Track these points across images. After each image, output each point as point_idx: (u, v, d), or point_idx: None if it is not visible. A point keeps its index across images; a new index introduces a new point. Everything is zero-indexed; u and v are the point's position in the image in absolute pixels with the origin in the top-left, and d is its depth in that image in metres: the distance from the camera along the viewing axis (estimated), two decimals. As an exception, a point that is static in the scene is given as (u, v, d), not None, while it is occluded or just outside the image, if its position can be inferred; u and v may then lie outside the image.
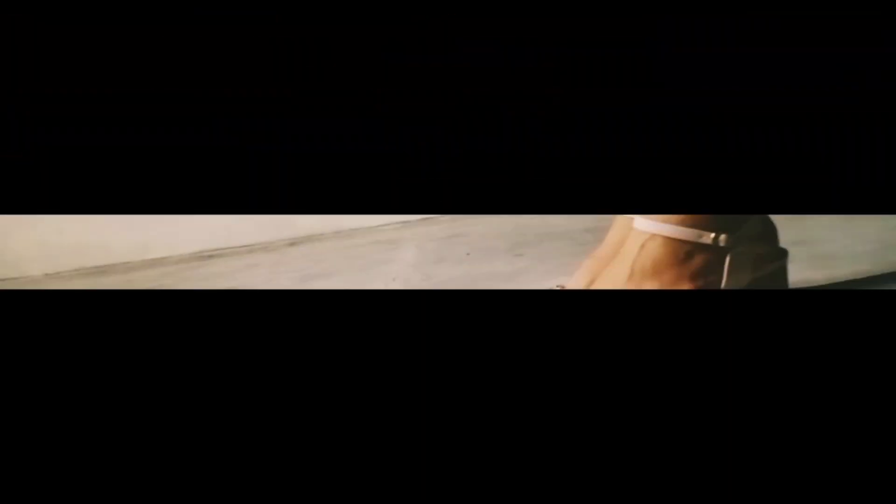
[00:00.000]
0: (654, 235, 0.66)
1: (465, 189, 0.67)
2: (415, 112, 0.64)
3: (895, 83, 0.57)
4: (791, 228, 0.76)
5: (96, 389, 0.56)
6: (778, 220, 0.71)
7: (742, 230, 0.68)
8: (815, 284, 0.80)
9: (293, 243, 1.89)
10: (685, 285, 0.66)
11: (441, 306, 0.54)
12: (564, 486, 0.49)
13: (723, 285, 0.67)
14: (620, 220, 0.72)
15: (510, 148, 0.61)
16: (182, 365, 0.55)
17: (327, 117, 0.66)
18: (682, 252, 0.66)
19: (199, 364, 0.55)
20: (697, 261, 0.66)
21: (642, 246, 0.67)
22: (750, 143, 0.59)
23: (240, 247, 1.97)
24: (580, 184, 0.57)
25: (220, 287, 1.42)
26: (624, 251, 0.68)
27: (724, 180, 0.58)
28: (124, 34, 0.62)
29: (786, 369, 0.52)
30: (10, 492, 0.53)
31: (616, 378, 0.52)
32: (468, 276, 1.06)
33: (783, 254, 0.74)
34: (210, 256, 1.93)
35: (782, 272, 0.73)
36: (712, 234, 0.66)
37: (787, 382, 0.52)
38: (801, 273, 0.79)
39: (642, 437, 0.50)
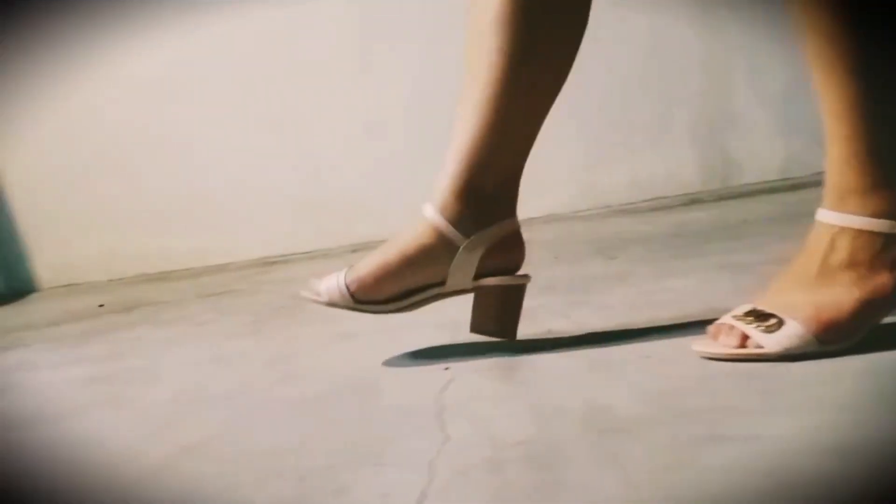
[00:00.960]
0: (843, 228, 0.68)
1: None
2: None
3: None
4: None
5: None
6: None
7: None
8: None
9: (355, 249, 1.91)
10: (884, 276, 0.68)
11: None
12: None
13: None
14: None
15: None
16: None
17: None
18: (879, 243, 0.68)
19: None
20: (894, 251, 0.68)
21: (832, 240, 0.69)
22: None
23: (300, 253, 1.99)
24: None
25: (287, 291, 1.43)
26: (808, 246, 0.70)
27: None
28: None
29: None
30: None
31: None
32: (573, 277, 1.07)
33: None
34: (272, 262, 1.96)
35: None
36: None
37: None
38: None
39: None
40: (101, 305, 1.64)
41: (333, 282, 0.81)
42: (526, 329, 0.84)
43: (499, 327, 0.81)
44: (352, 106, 1.91)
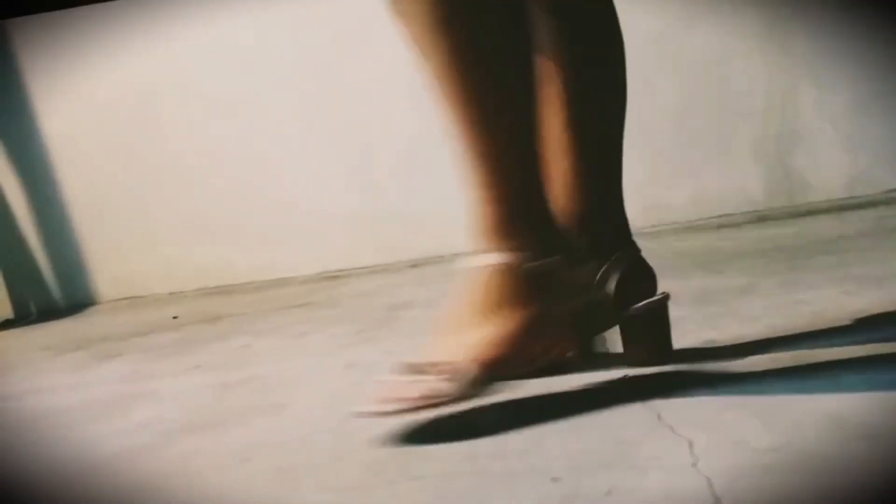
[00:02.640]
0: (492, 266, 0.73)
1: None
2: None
3: None
4: None
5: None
6: None
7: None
8: None
9: (414, 265, 1.91)
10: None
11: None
12: None
13: None
14: None
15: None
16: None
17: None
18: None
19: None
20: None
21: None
22: None
23: (360, 268, 1.99)
24: None
25: (371, 304, 1.43)
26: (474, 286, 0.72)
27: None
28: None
29: None
30: None
31: None
32: (692, 290, 1.07)
33: None
34: (335, 277, 1.95)
35: None
36: None
37: None
38: None
39: None
40: (175, 317, 1.64)
41: None
42: (681, 340, 0.84)
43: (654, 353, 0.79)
44: (410, 119, 1.92)
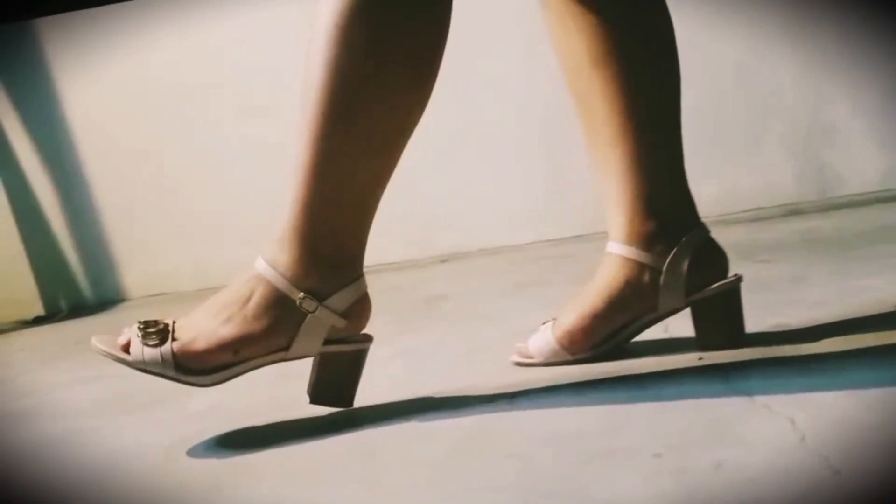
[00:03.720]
0: (258, 274, 0.73)
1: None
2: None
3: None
4: None
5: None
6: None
7: (328, 300, 0.71)
8: None
9: (444, 260, 1.91)
10: (261, 326, 0.71)
11: None
12: None
13: (293, 344, 0.71)
14: None
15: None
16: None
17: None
18: (271, 300, 0.72)
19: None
20: (278, 310, 0.72)
21: (250, 280, 0.73)
22: None
23: (387, 264, 1.98)
24: None
25: (407, 297, 1.43)
26: (239, 281, 0.73)
27: None
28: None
29: None
30: None
31: None
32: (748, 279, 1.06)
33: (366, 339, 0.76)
34: (364, 272, 1.94)
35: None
36: (300, 294, 0.71)
37: None
38: None
39: None
40: (209, 313, 1.63)
41: (543, 341, 0.81)
42: (756, 323, 0.83)
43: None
44: (438, 116, 1.91)
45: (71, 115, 1.94)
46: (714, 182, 1.86)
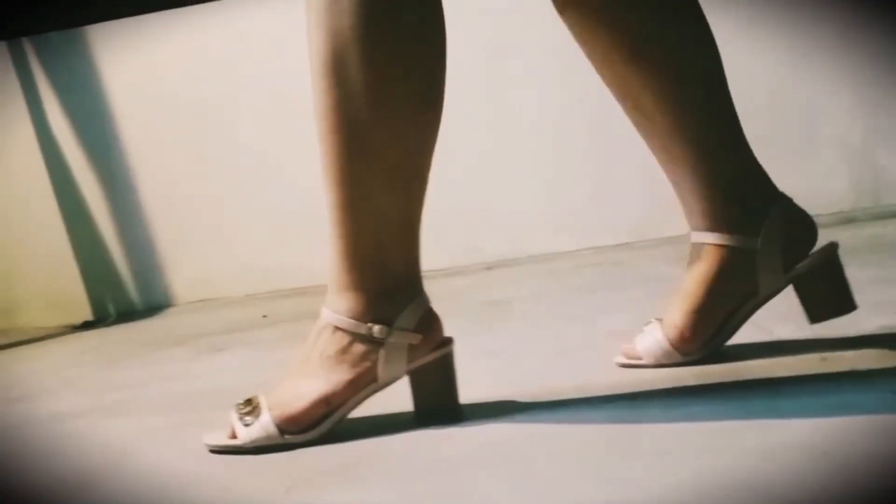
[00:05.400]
0: (326, 325, 0.73)
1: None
2: None
3: None
4: None
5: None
6: None
7: (397, 321, 0.72)
8: None
9: (489, 267, 1.90)
10: (344, 372, 0.72)
11: None
12: None
13: (379, 373, 0.72)
14: None
15: None
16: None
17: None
18: (346, 340, 0.72)
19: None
20: (357, 348, 0.72)
21: (318, 333, 0.73)
22: None
23: (436, 270, 1.97)
24: None
25: (469, 300, 1.41)
26: (311, 337, 0.74)
27: None
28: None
29: None
30: None
31: None
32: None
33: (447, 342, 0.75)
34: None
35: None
36: (367, 325, 0.72)
37: None
38: None
39: None
40: (264, 316, 1.62)
41: (652, 342, 0.79)
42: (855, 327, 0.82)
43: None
44: (483, 121, 1.91)
45: (119, 121, 1.95)
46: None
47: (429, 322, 0.74)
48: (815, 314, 0.77)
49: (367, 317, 0.72)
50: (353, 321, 0.72)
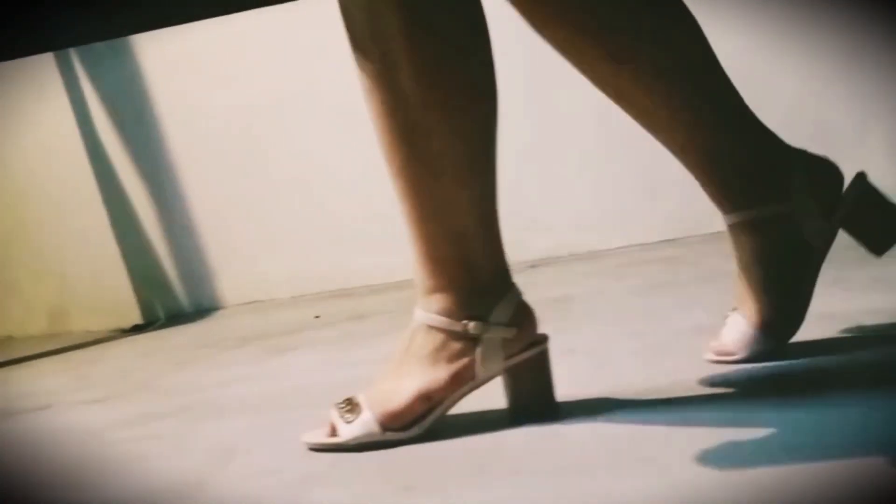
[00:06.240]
0: (420, 324, 0.74)
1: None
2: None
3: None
4: None
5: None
6: None
7: (492, 316, 0.73)
8: None
9: (533, 265, 1.90)
10: (441, 369, 0.72)
11: None
12: None
13: (477, 370, 0.73)
14: None
15: None
16: None
17: None
18: (439, 339, 0.73)
19: None
20: (453, 346, 0.73)
21: (412, 333, 0.75)
22: None
23: (479, 270, 1.98)
24: None
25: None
26: (404, 338, 0.75)
27: None
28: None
29: None
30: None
31: None
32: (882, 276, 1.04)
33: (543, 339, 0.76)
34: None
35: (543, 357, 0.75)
36: (462, 323, 0.73)
37: None
38: None
39: None
40: (316, 317, 1.63)
41: (738, 333, 0.79)
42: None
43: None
44: (525, 119, 1.91)
45: (165, 127, 1.96)
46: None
47: (523, 315, 0.75)
48: (879, 245, 0.78)
49: (461, 314, 0.73)
50: (447, 319, 0.73)
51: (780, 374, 0.75)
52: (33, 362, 1.65)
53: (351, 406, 0.74)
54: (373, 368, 1.03)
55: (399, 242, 2.01)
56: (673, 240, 1.83)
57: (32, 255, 2.09)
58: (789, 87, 1.81)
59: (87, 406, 1.11)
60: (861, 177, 0.79)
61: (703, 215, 1.86)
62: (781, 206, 0.77)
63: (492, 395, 0.75)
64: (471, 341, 0.73)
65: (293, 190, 1.96)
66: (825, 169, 0.80)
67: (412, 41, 0.69)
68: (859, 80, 1.81)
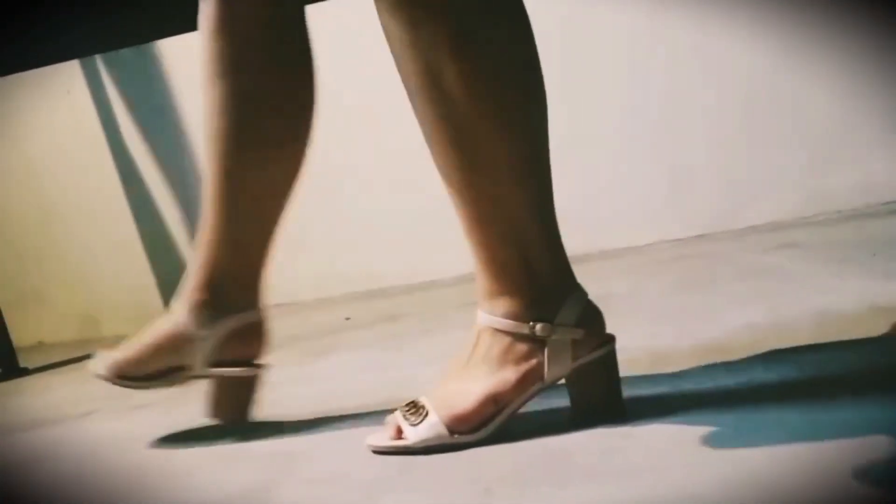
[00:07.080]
0: (485, 326, 0.73)
1: None
2: None
3: None
4: None
5: None
6: None
7: (558, 318, 0.72)
8: None
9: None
10: (509, 372, 0.72)
11: None
12: None
13: (545, 371, 0.72)
14: None
15: None
16: None
17: None
18: (507, 341, 0.72)
19: None
20: (520, 348, 0.72)
21: (478, 336, 0.74)
22: None
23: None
24: None
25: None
26: (467, 340, 0.74)
27: None
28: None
29: None
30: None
31: None
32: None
33: (610, 339, 0.75)
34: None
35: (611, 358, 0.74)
36: (529, 325, 0.72)
37: None
38: None
39: None
40: (347, 318, 1.63)
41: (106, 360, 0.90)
42: None
43: (227, 415, 0.89)
44: (555, 117, 1.89)
45: (192, 131, 1.96)
46: (849, 174, 1.81)
47: (590, 316, 0.74)
48: (208, 410, 0.90)
49: (527, 316, 0.72)
50: (513, 322, 0.72)
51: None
52: (71, 366, 1.65)
53: (416, 409, 0.73)
54: (419, 370, 1.03)
55: (425, 244, 2.01)
56: (703, 235, 1.82)
57: (63, 264, 2.10)
58: (822, 73, 1.79)
59: (133, 412, 1.10)
60: (256, 368, 0.89)
61: (732, 210, 1.87)
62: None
63: (550, 396, 0.74)
64: (538, 343, 0.72)
65: (316, 193, 1.96)
66: (250, 338, 0.90)
67: (459, 51, 0.68)
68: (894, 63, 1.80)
